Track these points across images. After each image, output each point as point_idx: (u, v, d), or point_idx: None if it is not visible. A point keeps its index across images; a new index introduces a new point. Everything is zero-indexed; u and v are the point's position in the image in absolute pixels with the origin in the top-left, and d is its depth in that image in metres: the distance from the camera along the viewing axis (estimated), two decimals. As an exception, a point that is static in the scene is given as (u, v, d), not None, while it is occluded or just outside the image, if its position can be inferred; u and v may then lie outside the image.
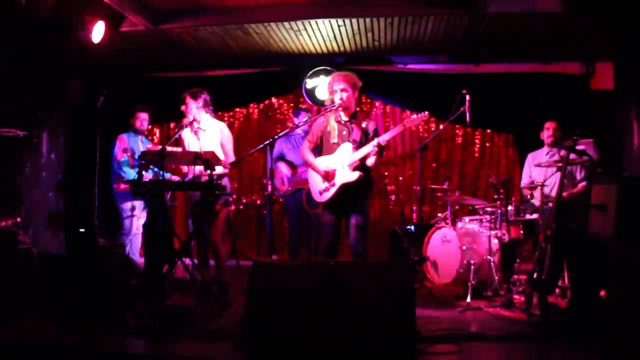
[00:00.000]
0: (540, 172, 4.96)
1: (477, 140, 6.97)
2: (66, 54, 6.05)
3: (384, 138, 4.04)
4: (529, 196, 5.01)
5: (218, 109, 5.47)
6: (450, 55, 6.72)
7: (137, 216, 5.17)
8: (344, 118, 4.22)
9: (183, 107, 4.69)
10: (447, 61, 6.78)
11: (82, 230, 4.33)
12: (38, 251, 4.25)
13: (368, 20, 5.70)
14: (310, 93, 6.94)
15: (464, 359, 3.02)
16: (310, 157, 4.31)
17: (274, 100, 7.33)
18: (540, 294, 3.66)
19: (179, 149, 4.75)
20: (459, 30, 5.88)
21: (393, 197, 7.07)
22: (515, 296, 4.34)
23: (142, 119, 5.36)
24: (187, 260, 4.21)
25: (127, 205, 5.17)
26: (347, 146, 4.14)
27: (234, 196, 7.16)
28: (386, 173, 7.09)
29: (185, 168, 4.93)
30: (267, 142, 4.03)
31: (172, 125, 7.19)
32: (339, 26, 5.87)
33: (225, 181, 4.63)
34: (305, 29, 5.98)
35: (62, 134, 6.34)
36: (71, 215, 6.10)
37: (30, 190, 5.78)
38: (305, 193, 5.58)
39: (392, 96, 6.97)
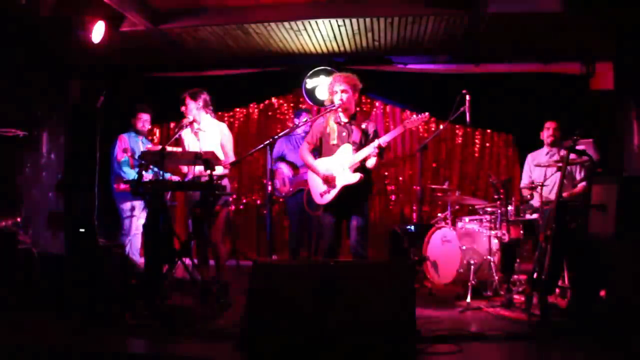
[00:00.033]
0: (540, 172, 4.96)
1: (477, 140, 6.97)
2: (66, 54, 6.06)
3: (384, 139, 4.04)
4: (528, 196, 5.01)
5: (218, 109, 5.47)
6: (450, 55, 6.72)
7: (136, 216, 5.16)
8: (344, 119, 4.22)
9: (183, 108, 4.69)
10: (447, 61, 6.78)
11: (82, 230, 4.33)
12: (38, 251, 4.25)
13: (368, 20, 5.70)
14: (310, 93, 6.94)
15: (464, 359, 3.02)
16: (309, 159, 4.30)
17: (274, 100, 7.33)
18: (540, 294, 3.66)
19: (179, 149, 4.74)
20: (459, 30, 5.88)
21: (393, 197, 7.07)
22: (515, 296, 4.34)
23: (144, 120, 5.36)
24: (187, 260, 4.21)
25: (127, 205, 5.16)
26: (347, 148, 4.13)
27: (234, 196, 7.16)
28: (386, 173, 7.09)
29: (185, 168, 4.93)
30: (267, 142, 4.03)
31: (172, 125, 7.18)
32: (339, 26, 5.87)
33: (225, 181, 4.63)
34: (305, 29, 5.98)
35: (62, 134, 6.36)
36: (71, 215, 6.10)
37: (30, 190, 5.78)
38: (305, 194, 5.57)
39: (392, 96, 6.97)
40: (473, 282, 4.55)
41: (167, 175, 5.01)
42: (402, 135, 6.91)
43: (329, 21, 5.72)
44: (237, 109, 7.37)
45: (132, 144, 5.24)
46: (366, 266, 3.39)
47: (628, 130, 5.45)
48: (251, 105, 7.34)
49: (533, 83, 6.47)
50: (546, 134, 5.16)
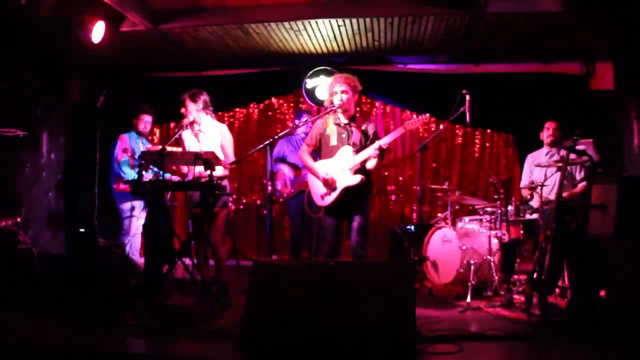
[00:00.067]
0: (540, 172, 4.96)
1: (477, 140, 6.97)
2: (66, 54, 6.07)
3: (385, 141, 4.04)
4: (528, 197, 5.01)
5: (218, 109, 5.46)
6: (450, 55, 6.72)
7: (136, 216, 5.16)
8: (344, 120, 4.21)
9: (183, 110, 4.68)
10: (447, 61, 6.79)
11: (82, 230, 4.33)
12: (38, 251, 4.24)
13: (368, 20, 5.70)
14: (310, 93, 6.94)
15: (464, 359, 3.01)
16: (309, 161, 4.29)
17: (274, 100, 7.33)
18: (540, 294, 3.66)
19: (179, 149, 4.74)
20: (459, 30, 5.88)
21: (393, 197, 7.07)
22: (515, 296, 4.34)
23: (146, 122, 5.36)
24: (187, 260, 4.21)
25: (127, 205, 5.16)
26: (347, 149, 4.13)
27: (234, 196, 7.16)
28: (386, 173, 7.09)
29: (185, 168, 4.93)
30: (267, 142, 4.03)
31: (172, 125, 7.19)
32: (339, 26, 5.87)
33: (224, 182, 4.63)
34: (305, 29, 5.98)
35: (62, 134, 6.35)
36: (71, 215, 6.11)
37: (30, 190, 5.78)
38: (306, 196, 5.56)
39: (392, 96, 6.97)
40: (473, 282, 4.55)
41: (167, 176, 5.01)
42: (402, 135, 6.89)
43: (329, 21, 5.72)
44: (237, 109, 7.37)
45: (133, 144, 5.24)
46: (366, 266, 3.39)
47: (628, 130, 5.46)
48: (251, 105, 7.34)
49: (533, 83, 6.48)
50: (546, 134, 5.15)
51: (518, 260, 4.58)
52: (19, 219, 4.59)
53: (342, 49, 6.62)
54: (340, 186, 4.09)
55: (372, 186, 4.33)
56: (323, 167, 4.19)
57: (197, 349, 3.18)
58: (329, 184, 4.12)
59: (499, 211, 4.74)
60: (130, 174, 5.07)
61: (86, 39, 5.08)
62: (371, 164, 4.07)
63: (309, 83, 6.94)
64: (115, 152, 5.23)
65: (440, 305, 4.40)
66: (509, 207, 4.67)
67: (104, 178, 5.21)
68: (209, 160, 4.08)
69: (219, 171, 4.42)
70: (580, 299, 3.75)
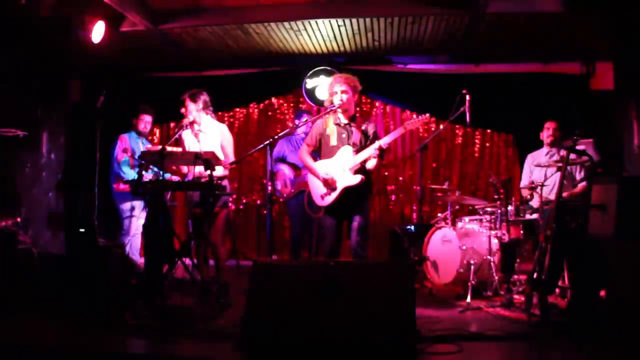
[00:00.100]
0: (540, 172, 4.96)
1: (477, 140, 6.98)
2: (66, 54, 6.06)
3: (385, 141, 4.04)
4: (528, 197, 5.01)
5: (218, 109, 5.46)
6: (450, 55, 6.72)
7: (136, 216, 5.16)
8: (344, 120, 4.21)
9: (183, 110, 4.68)
10: (447, 61, 6.79)
11: (82, 230, 4.33)
12: (38, 251, 4.25)
13: (368, 20, 5.70)
14: (310, 93, 6.94)
15: (464, 359, 3.01)
16: (309, 161, 4.29)
17: (274, 100, 7.33)
18: (540, 294, 3.66)
19: (179, 149, 4.74)
20: (459, 30, 5.88)
21: (393, 197, 7.07)
22: (515, 296, 4.34)
23: (146, 122, 5.36)
24: (187, 260, 4.21)
25: (127, 205, 5.16)
26: (347, 149, 4.12)
27: (234, 196, 7.16)
28: (386, 173, 7.09)
29: (185, 168, 4.92)
30: (267, 142, 4.02)
31: (172, 125, 7.19)
32: (339, 26, 5.87)
33: (224, 182, 4.62)
34: (305, 29, 5.98)
35: (62, 134, 6.35)
36: (71, 215, 6.11)
37: (30, 190, 5.78)
38: (306, 196, 5.56)
39: (392, 96, 6.98)
40: (473, 282, 4.55)
41: (167, 176, 5.01)
42: (402, 135, 6.89)
43: (329, 21, 5.72)
44: (237, 109, 7.37)
45: (133, 144, 5.24)
46: (366, 266, 3.38)
47: (628, 130, 5.45)
48: (251, 105, 7.34)
49: (533, 83, 6.48)
50: (546, 134, 5.15)
51: (518, 260, 4.58)
52: (19, 219, 4.59)
53: (342, 49, 6.62)
54: (340, 186, 4.09)
55: (372, 186, 4.33)
56: (323, 167, 4.19)
57: (197, 349, 3.18)
58: (329, 184, 4.12)
59: (499, 211, 4.74)
60: (130, 174, 5.07)
61: (86, 39, 5.08)
62: (371, 164, 4.06)
63: (309, 83, 6.94)
64: (115, 152, 5.23)
65: (440, 305, 4.40)
66: (509, 207, 4.67)
67: (104, 178, 5.21)
68: (209, 160, 4.07)
69: (219, 171, 4.42)
70: (580, 299, 3.75)
